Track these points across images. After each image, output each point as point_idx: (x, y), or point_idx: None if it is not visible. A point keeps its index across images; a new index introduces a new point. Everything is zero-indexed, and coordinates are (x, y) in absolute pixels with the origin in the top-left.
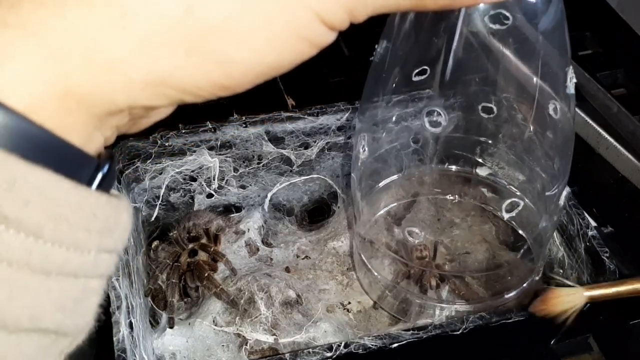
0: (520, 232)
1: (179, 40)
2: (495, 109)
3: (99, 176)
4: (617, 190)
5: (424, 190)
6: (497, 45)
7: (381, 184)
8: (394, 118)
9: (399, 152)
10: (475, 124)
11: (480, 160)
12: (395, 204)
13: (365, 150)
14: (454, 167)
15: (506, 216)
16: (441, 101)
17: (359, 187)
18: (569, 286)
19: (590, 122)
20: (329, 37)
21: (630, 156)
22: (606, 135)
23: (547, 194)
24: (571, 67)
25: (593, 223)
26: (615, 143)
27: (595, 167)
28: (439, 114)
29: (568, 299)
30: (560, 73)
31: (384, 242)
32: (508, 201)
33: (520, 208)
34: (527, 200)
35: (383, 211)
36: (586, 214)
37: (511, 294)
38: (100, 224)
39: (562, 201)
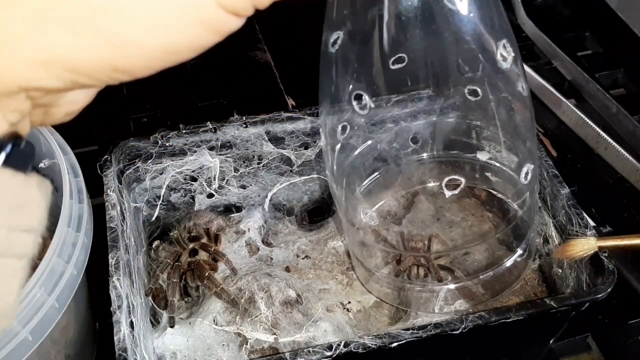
0: (515, 205)
1: (69, 19)
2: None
3: (2, 155)
4: (616, 190)
5: (424, 178)
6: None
7: (375, 177)
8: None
9: (392, 145)
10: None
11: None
12: (391, 196)
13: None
14: (443, 153)
15: (448, 194)
16: (366, 85)
17: (338, 186)
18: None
19: (590, 122)
20: (232, 23)
21: (629, 156)
22: (605, 136)
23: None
24: (505, 40)
25: (592, 223)
26: (614, 143)
27: (594, 167)
28: (364, 98)
29: (582, 247)
30: (488, 48)
31: (376, 233)
32: (447, 178)
33: (462, 186)
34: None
35: (380, 204)
36: (585, 214)
37: (488, 273)
38: (5, 199)
39: (529, 176)
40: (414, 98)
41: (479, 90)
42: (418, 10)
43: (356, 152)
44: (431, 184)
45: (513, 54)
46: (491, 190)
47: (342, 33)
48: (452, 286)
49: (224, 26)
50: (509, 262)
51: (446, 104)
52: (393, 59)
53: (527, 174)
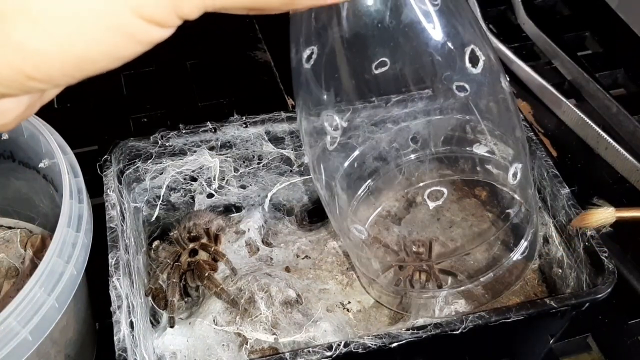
0: (516, 197)
1: None
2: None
3: None
4: (616, 190)
5: (423, 178)
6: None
7: (376, 181)
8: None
9: (392, 146)
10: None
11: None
12: (391, 200)
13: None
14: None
15: (432, 205)
16: (334, 106)
17: (331, 198)
18: (604, 207)
19: (590, 122)
20: (156, 33)
21: (629, 156)
22: (605, 136)
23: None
24: (472, 46)
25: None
26: (614, 143)
27: (594, 167)
28: (334, 118)
29: (600, 217)
30: (458, 51)
31: (377, 239)
32: (428, 190)
33: (445, 197)
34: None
35: (380, 208)
36: None
37: (489, 274)
38: None
39: (519, 176)
40: (413, 99)
41: (466, 86)
42: (382, 22)
43: (347, 162)
44: (431, 184)
45: (484, 58)
46: (494, 183)
47: (316, 47)
48: (453, 290)
49: (146, 36)
50: (511, 260)
51: (433, 105)
52: (375, 64)
53: (515, 174)
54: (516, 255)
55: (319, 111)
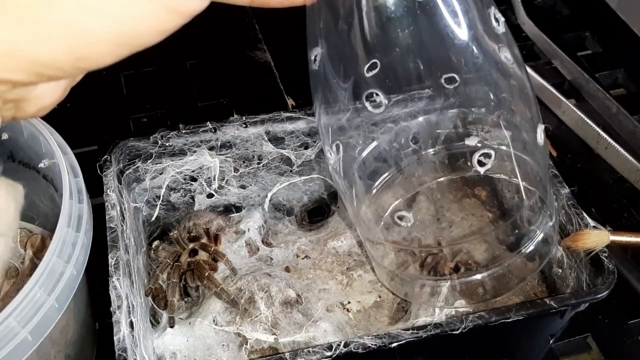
0: (524, 184)
1: (24, 8)
2: (457, 77)
3: None
4: (616, 190)
5: (424, 178)
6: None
7: (378, 184)
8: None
9: (390, 149)
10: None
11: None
12: (398, 201)
13: (338, 153)
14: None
15: (481, 170)
16: (381, 83)
17: (349, 203)
18: (599, 229)
19: (590, 122)
20: (195, 5)
21: (629, 156)
22: (605, 136)
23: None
24: (493, 7)
25: (592, 223)
26: (614, 143)
27: (594, 167)
28: (378, 95)
29: (594, 239)
30: (483, 16)
31: (392, 241)
32: (477, 154)
33: (492, 159)
34: (516, 151)
35: (389, 211)
36: (585, 214)
37: (514, 257)
38: None
39: (541, 139)
40: (414, 97)
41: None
42: (392, 12)
43: (356, 165)
44: (432, 183)
45: (503, 18)
46: (504, 177)
47: (320, 48)
48: (467, 279)
49: (187, 8)
50: (530, 247)
51: (438, 99)
52: (369, 63)
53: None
54: (534, 243)
55: (358, 95)
